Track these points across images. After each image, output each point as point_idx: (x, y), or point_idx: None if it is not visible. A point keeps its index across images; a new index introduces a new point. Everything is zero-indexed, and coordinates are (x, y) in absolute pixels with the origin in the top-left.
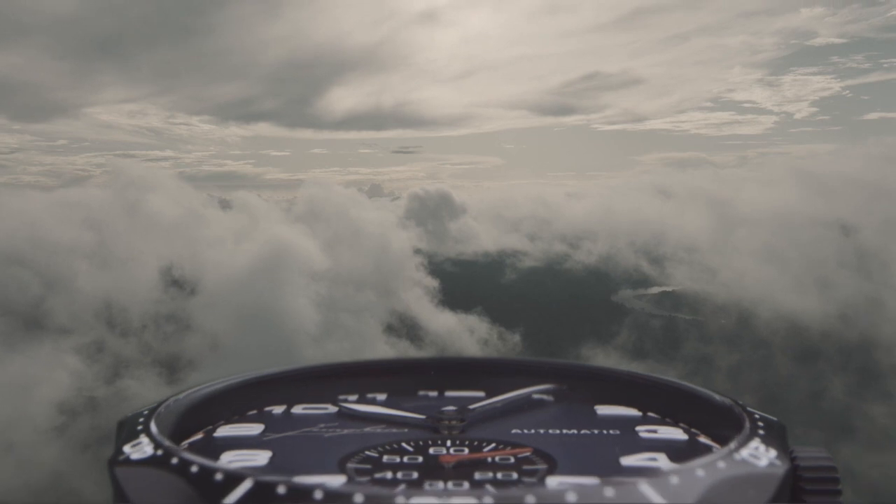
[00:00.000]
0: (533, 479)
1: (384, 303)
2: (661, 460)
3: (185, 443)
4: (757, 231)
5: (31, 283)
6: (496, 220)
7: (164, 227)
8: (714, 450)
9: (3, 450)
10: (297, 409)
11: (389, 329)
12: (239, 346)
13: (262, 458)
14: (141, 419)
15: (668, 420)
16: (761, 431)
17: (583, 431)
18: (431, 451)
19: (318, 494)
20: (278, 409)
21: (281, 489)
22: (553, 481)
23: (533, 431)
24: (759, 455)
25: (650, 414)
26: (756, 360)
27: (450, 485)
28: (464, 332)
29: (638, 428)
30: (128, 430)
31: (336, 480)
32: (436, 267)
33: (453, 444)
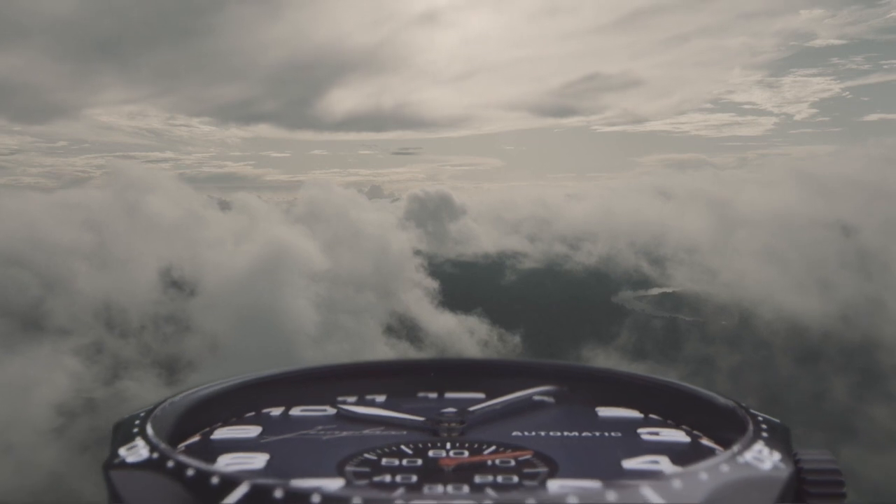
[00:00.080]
0: (534, 483)
1: (384, 304)
2: (664, 463)
3: (182, 445)
4: (757, 232)
5: (31, 284)
6: (496, 222)
7: (163, 228)
8: (717, 453)
9: (2, 451)
10: (296, 411)
11: (389, 330)
12: (238, 347)
13: (259, 461)
14: (137, 422)
15: (670, 422)
16: (765, 434)
17: (584, 434)
18: (431, 453)
19: (316, 498)
20: (276, 411)
21: (278, 493)
22: (554, 485)
23: (534, 434)
24: (763, 458)
25: (652, 416)
26: (757, 360)
27: (449, 488)
28: (464, 334)
29: (640, 430)
30: (123, 432)
31: (334, 484)
32: (436, 268)
33: (453, 447)
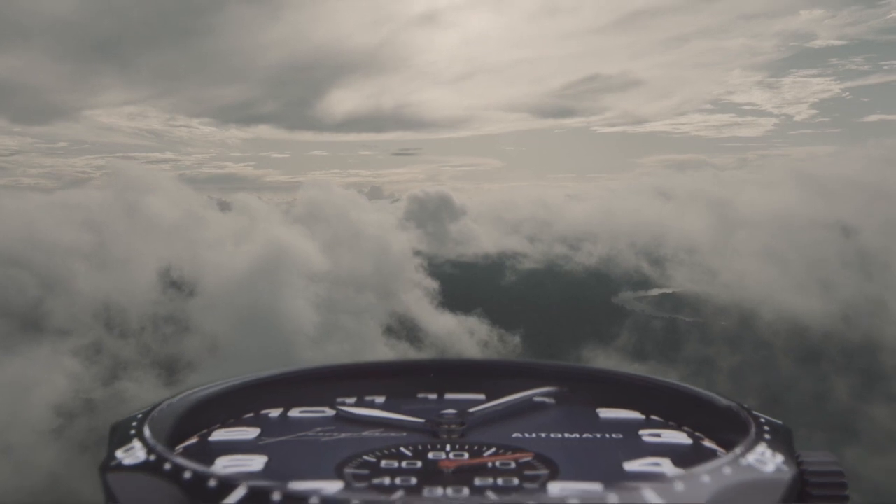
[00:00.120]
0: (534, 485)
1: (384, 304)
2: (666, 465)
3: (180, 447)
4: (757, 232)
5: (30, 285)
6: (496, 222)
7: (163, 228)
8: (719, 455)
9: (1, 452)
10: (294, 413)
11: (389, 331)
12: (238, 347)
13: (257, 463)
14: (134, 423)
15: (671, 423)
16: (767, 436)
17: (585, 435)
18: (430, 455)
19: (315, 501)
20: (275, 413)
21: (276, 496)
22: (555, 487)
23: (534, 435)
24: (766, 460)
25: (653, 417)
26: (757, 361)
27: (449, 491)
28: (464, 334)
29: (641, 432)
30: (120, 434)
31: (333, 486)
32: (436, 269)
33: (453, 449)
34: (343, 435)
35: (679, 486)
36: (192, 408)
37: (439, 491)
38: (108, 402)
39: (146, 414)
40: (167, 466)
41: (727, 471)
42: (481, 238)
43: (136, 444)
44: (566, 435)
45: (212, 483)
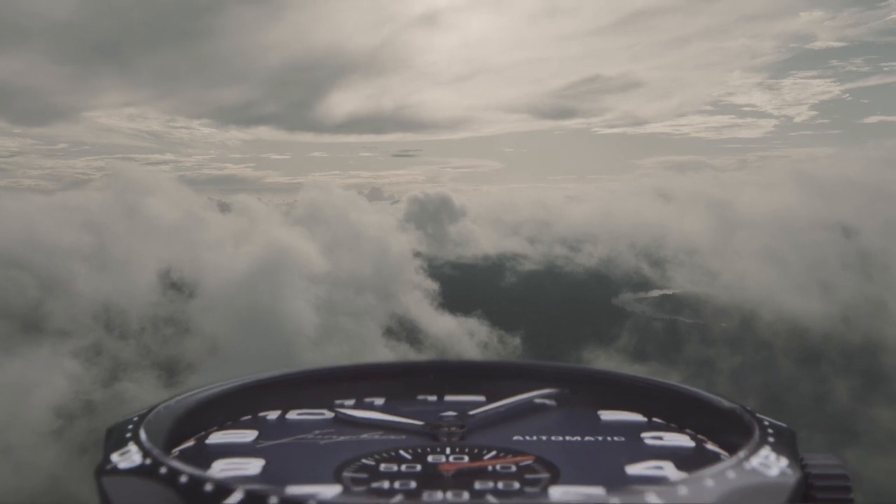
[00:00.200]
0: (535, 489)
1: (384, 306)
2: (668, 469)
3: (177, 450)
4: (758, 234)
5: (30, 286)
6: (496, 224)
7: (162, 229)
8: (722, 457)
9: (1, 453)
10: (293, 415)
11: (389, 332)
12: (238, 348)
13: (254, 466)
14: (130, 426)
15: (673, 426)
16: (771, 439)
17: (586, 438)
18: (430, 459)
19: None
20: (273, 415)
21: (273, 500)
22: (556, 491)
23: (535, 438)
24: (770, 464)
25: (655, 419)
26: (758, 362)
27: (449, 495)
28: (464, 336)
29: (643, 434)
30: (116, 437)
31: (331, 490)
32: (435, 270)
33: (453, 452)
34: (342, 437)
35: (682, 490)
36: (189, 410)
37: (439, 495)
38: (108, 403)
39: (142, 417)
40: (163, 470)
41: (731, 474)
42: (481, 239)
43: (132, 447)
44: (567, 438)
45: (208, 487)
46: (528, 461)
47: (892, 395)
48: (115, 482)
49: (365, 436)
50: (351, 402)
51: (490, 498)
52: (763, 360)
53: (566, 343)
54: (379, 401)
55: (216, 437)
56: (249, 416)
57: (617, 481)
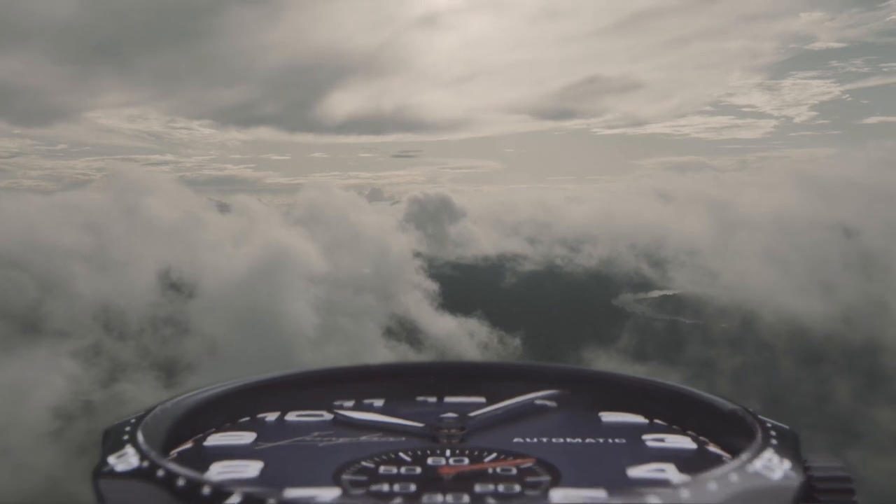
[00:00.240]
0: (536, 492)
1: (384, 306)
2: (670, 471)
3: (175, 452)
4: (758, 234)
5: (29, 287)
6: (496, 224)
7: (162, 230)
8: (724, 460)
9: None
10: (291, 417)
11: (389, 333)
12: (237, 349)
13: (252, 469)
14: (127, 428)
15: (675, 427)
16: (774, 441)
17: (587, 440)
18: (430, 461)
19: None
20: (271, 416)
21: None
22: (557, 494)
23: (536, 440)
24: (773, 467)
25: (657, 421)
26: (759, 363)
27: (449, 498)
28: (464, 336)
29: (644, 436)
30: (113, 439)
31: (330, 493)
32: (435, 270)
33: (453, 454)
34: (341, 440)
35: (685, 494)
36: (187, 412)
37: (439, 498)
38: (107, 404)
39: (140, 419)
40: (160, 473)
41: (734, 478)
42: (481, 240)
43: (129, 449)
44: (568, 440)
45: (205, 490)
46: (528, 463)
47: (893, 396)
48: (112, 485)
49: (364, 438)
50: (350, 403)
51: (490, 501)
52: (764, 361)
53: (566, 344)
54: (378, 402)
55: (214, 439)
56: (248, 418)
57: (619, 484)
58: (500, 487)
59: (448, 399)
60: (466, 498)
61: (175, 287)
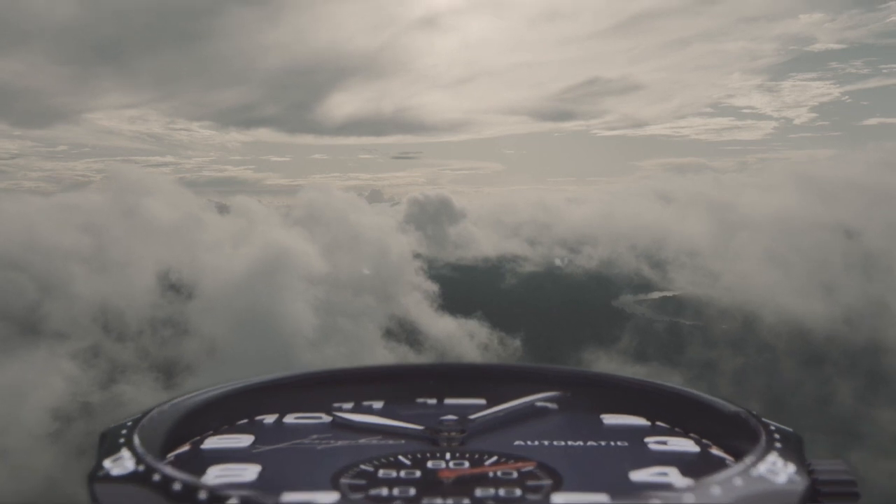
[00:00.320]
0: (537, 496)
1: (383, 307)
2: (673, 475)
3: (171, 455)
4: (758, 235)
5: (28, 288)
6: (496, 226)
7: (161, 231)
8: (728, 463)
9: None
10: (290, 419)
11: (388, 334)
12: (237, 350)
13: (250, 472)
14: (123, 431)
15: (677, 430)
16: (778, 444)
17: (589, 443)
18: (430, 464)
19: None
20: (270, 419)
21: None
22: (559, 498)
23: (537, 443)
24: (777, 470)
25: (659, 423)
26: (760, 364)
27: (449, 502)
28: (464, 338)
29: (647, 439)
30: (109, 442)
31: (328, 497)
32: (435, 272)
33: (453, 458)
34: (340, 443)
35: (688, 498)
36: (184, 414)
37: (439, 502)
38: (106, 405)
39: (136, 421)
40: (156, 477)
41: (738, 482)
42: (481, 241)
43: (125, 453)
44: (570, 443)
45: (202, 495)
46: (529, 467)
47: (894, 397)
48: (108, 489)
49: (363, 441)
50: (349, 405)
51: None
52: (765, 362)
53: (567, 345)
54: (378, 404)
55: (211, 442)
56: (245, 420)
57: (621, 488)
58: (501, 491)
59: (448, 401)
60: (467, 502)
61: (174, 288)
